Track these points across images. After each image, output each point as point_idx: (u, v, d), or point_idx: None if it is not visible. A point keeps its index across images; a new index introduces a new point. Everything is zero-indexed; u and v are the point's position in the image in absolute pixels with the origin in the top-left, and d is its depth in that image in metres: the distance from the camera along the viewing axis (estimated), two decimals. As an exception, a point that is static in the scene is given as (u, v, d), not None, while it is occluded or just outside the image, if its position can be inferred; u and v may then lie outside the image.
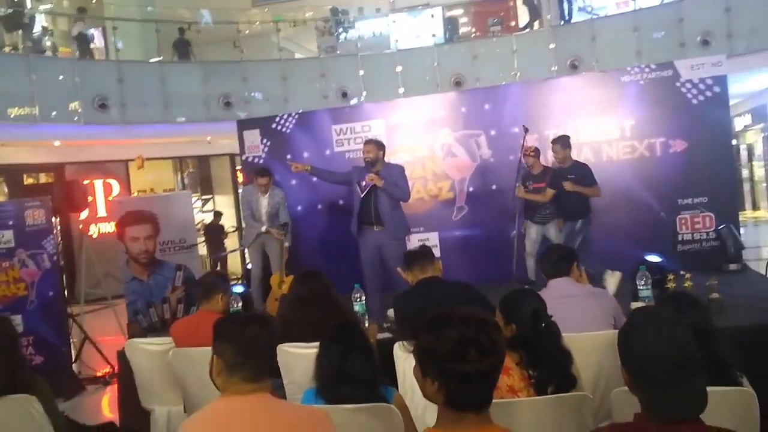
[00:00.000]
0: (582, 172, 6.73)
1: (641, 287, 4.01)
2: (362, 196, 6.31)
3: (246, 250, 8.05)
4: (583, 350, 2.90)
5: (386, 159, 6.71)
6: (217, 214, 14.23)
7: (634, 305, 3.93)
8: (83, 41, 12.52)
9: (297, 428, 1.94)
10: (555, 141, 6.95)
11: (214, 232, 13.65)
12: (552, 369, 2.38)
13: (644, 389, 1.66)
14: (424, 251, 3.70)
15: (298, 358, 3.21)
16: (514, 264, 6.88)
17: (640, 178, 7.69)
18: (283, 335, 3.50)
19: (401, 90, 12.45)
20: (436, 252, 7.86)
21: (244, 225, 7.20)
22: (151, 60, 13.51)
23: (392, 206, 6.32)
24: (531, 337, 2.45)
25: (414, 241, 8.14)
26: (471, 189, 8.07)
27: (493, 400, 1.67)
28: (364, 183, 6.29)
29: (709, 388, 1.66)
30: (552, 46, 12.21)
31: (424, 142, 8.27)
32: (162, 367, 3.99)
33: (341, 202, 8.46)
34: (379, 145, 6.55)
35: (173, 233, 8.00)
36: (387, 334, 4.03)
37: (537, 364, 2.38)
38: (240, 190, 7.50)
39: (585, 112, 7.90)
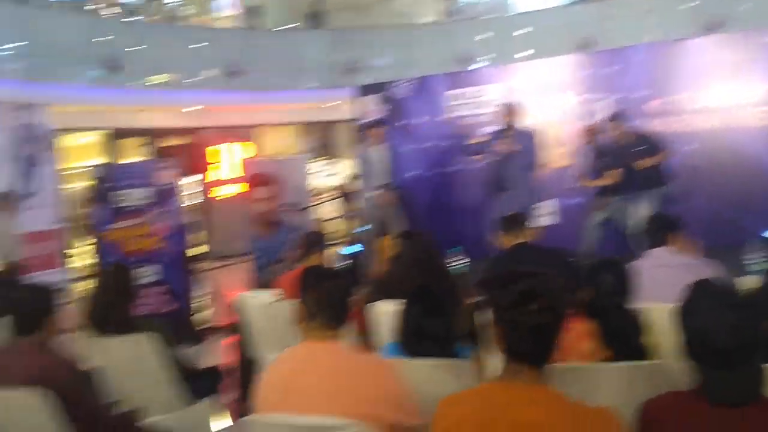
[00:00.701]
0: (647, 143, 6.38)
1: (752, 261, 3.75)
2: (491, 161, 6.29)
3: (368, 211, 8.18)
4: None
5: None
6: (348, 177, 14.61)
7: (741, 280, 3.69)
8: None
9: (365, 375, 2.06)
10: (614, 117, 6.58)
11: (345, 194, 14.05)
12: (617, 339, 2.34)
13: (698, 367, 1.65)
14: (517, 216, 3.69)
15: (388, 315, 3.31)
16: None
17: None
18: (381, 292, 3.63)
19: (526, 53, 12.12)
20: (556, 219, 7.72)
21: (362, 185, 7.40)
22: (281, 28, 14.01)
23: (523, 172, 6.24)
24: (599, 306, 2.42)
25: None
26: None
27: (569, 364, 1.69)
28: (496, 148, 6.25)
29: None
30: (693, 3, 11.40)
31: (544, 107, 8.03)
32: (272, 317, 4.23)
33: (452, 168, 8.46)
34: (514, 109, 6.47)
35: (291, 195, 8.37)
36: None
37: (605, 333, 2.35)
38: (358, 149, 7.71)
39: (718, 76, 7.33)
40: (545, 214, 6.99)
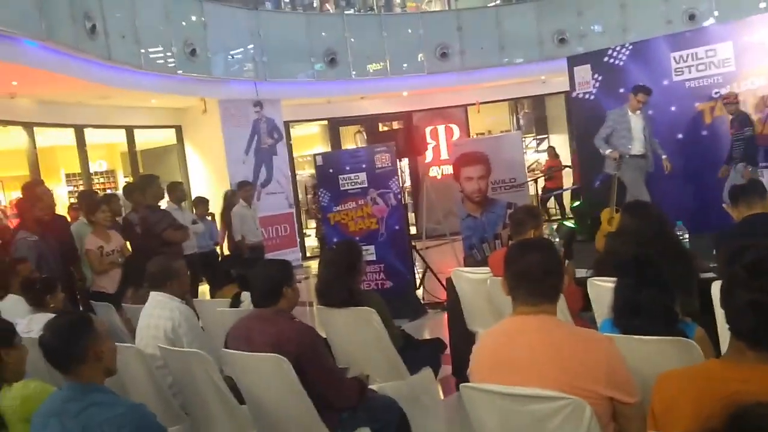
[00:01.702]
0: None
1: None
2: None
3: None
4: None
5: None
6: (551, 151, 14.29)
7: None
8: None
9: (577, 349, 2.03)
10: None
11: (550, 169, 13.78)
12: None
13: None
14: (753, 186, 3.35)
15: (604, 291, 3.22)
16: None
17: None
18: (601, 268, 3.53)
19: (762, 4, 10.81)
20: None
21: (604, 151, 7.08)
22: (488, 5, 13.93)
23: None
24: None
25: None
26: None
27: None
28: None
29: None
30: None
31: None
32: (483, 294, 4.31)
33: (680, 135, 7.87)
34: None
35: (504, 173, 8.35)
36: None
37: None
38: (610, 114, 7.39)
39: None
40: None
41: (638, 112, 7.09)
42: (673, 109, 7.91)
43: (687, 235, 4.11)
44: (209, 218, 8.51)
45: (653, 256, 2.50)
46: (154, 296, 3.58)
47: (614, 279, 2.64)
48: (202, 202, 8.48)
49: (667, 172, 7.24)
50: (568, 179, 13.19)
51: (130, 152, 11.33)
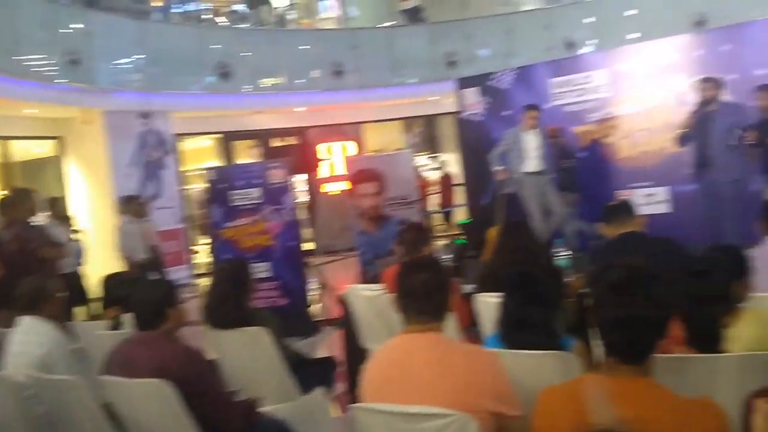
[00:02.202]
0: None
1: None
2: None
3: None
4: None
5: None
6: (442, 169, 14.65)
7: None
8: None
9: (464, 366, 2.08)
10: (763, 87, 6.14)
11: (443, 186, 14.15)
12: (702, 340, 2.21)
13: None
14: (624, 205, 3.57)
15: (490, 307, 3.32)
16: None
17: None
18: (484, 284, 3.64)
19: (634, 35, 11.61)
20: (668, 208, 7.42)
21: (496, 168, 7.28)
22: (381, 25, 14.17)
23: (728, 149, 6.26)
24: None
25: (639, 199, 7.75)
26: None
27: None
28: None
29: None
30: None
31: (654, 90, 7.70)
32: (377, 310, 4.33)
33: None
34: (717, 84, 6.41)
35: (397, 190, 8.48)
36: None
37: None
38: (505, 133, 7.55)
39: None
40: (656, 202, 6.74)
41: (533, 130, 7.30)
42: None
43: (568, 253, 4.32)
44: (74, 236, 8.05)
45: (535, 274, 2.60)
46: (25, 320, 3.34)
47: (500, 294, 2.73)
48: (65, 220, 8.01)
49: None
50: (459, 196, 13.57)
51: (5, 164, 10.62)
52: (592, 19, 12.22)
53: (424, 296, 2.16)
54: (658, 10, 11.64)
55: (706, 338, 2.27)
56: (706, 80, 6.41)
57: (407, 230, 4.40)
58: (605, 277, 1.65)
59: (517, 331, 2.51)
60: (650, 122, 7.71)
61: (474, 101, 8.79)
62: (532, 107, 7.35)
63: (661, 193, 7.59)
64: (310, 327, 7.13)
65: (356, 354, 4.70)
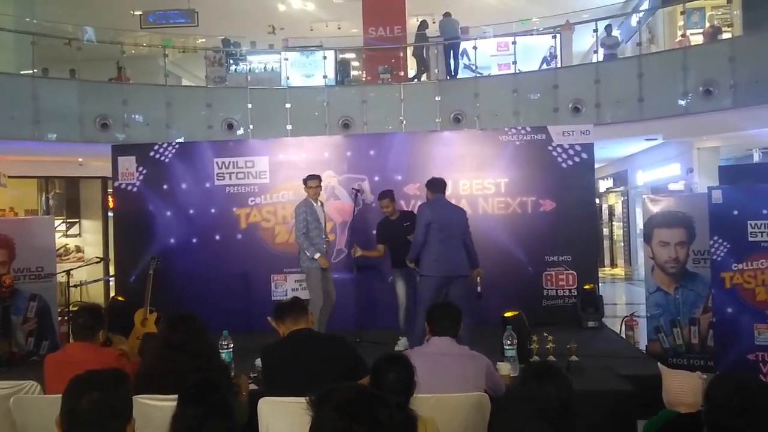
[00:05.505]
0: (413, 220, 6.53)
1: (507, 347, 4.17)
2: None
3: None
4: (453, 409, 2.97)
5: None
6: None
7: (501, 365, 4.05)
8: None
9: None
10: (384, 195, 7.05)
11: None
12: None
13: None
14: (297, 303, 3.62)
15: (156, 411, 3.02)
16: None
17: (512, 233, 8.06)
18: (146, 384, 3.26)
19: (289, 127, 12.37)
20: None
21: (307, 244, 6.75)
22: (23, 72, 12.69)
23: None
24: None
25: (291, 283, 8.10)
26: (352, 233, 8.10)
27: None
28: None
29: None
30: (438, 98, 12.62)
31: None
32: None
33: (217, 237, 8.27)
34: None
35: (31, 260, 7.40)
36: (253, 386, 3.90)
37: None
38: (298, 208, 7.04)
39: (464, 167, 8.23)
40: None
41: (319, 201, 7.06)
42: (213, 210, 8.32)
43: (231, 345, 4.22)
44: None
45: (216, 381, 2.41)
46: None
47: (163, 396, 2.46)
48: None
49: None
50: (97, 270, 12.42)
51: None
52: (251, 106, 12.67)
53: (95, 421, 1.87)
54: (311, 108, 12.65)
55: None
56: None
57: (78, 314, 3.73)
58: (328, 400, 1.57)
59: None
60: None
61: (130, 170, 8.32)
62: (310, 177, 7.03)
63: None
64: None
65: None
